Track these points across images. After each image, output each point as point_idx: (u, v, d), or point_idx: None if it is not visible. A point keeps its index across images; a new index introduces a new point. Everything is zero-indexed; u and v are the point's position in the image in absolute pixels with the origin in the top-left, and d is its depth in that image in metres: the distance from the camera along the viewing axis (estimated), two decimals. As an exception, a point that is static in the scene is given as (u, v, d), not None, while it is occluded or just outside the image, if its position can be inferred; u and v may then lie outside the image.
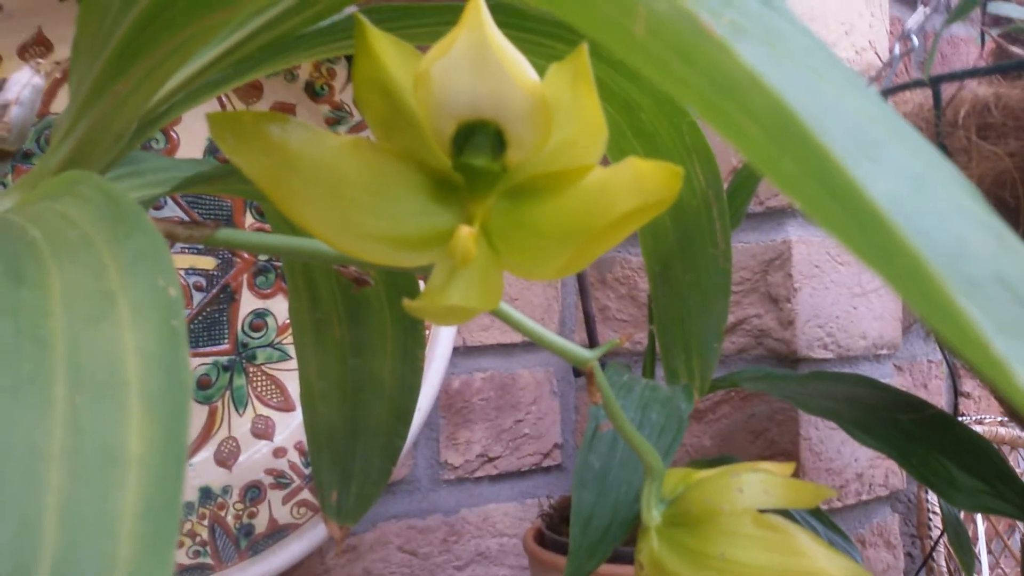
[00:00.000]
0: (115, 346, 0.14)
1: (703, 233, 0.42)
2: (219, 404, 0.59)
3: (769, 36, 0.11)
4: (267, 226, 0.60)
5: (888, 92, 0.43)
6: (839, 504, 0.70)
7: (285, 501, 0.59)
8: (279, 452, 0.60)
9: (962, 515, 0.68)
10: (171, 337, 0.14)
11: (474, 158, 0.22)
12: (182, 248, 0.57)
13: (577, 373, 0.76)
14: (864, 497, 0.72)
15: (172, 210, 0.57)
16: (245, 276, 0.60)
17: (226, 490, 0.57)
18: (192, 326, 0.58)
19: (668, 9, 0.09)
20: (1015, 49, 0.47)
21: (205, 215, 0.58)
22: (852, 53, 0.70)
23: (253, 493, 0.58)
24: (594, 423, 0.39)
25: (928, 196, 0.10)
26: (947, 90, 0.38)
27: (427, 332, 0.61)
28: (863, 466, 0.72)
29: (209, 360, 0.58)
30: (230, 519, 0.57)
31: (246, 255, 0.60)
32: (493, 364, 0.75)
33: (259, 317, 0.60)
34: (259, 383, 0.60)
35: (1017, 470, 0.59)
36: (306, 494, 0.59)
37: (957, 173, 0.12)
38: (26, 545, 0.11)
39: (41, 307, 0.14)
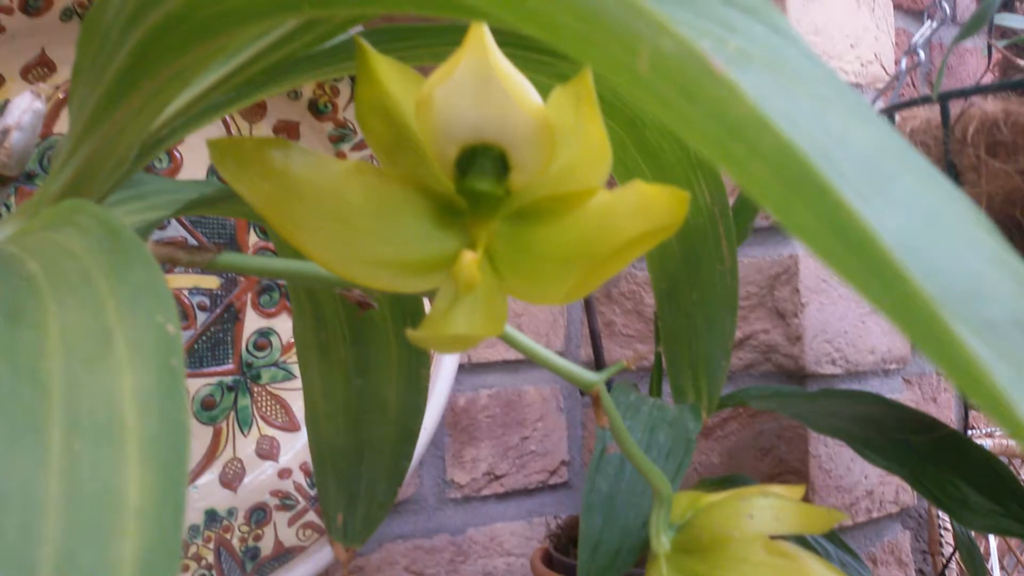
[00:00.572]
0: (113, 388, 0.13)
1: (709, 250, 0.42)
2: (224, 425, 0.58)
3: (775, 63, 0.11)
4: (271, 244, 0.60)
5: (896, 108, 0.43)
6: (849, 522, 0.70)
7: (291, 523, 0.58)
8: (284, 473, 0.60)
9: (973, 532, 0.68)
10: (170, 377, 0.14)
11: (477, 182, 0.22)
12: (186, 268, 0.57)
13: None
14: (875, 515, 0.72)
15: (176, 229, 0.57)
16: (249, 295, 0.59)
17: (231, 512, 0.57)
18: (196, 346, 0.57)
19: (673, 47, 0.09)
20: (1022, 61, 0.47)
21: (208, 233, 0.57)
22: (858, 66, 0.69)
23: (259, 515, 0.58)
24: (601, 445, 0.39)
25: (942, 234, 0.10)
26: (955, 105, 0.37)
27: (431, 351, 0.61)
28: (873, 483, 0.71)
29: (214, 380, 0.58)
30: (236, 542, 0.56)
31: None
32: (499, 381, 0.75)
33: (263, 336, 0.60)
34: (264, 403, 0.60)
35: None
36: (312, 516, 0.59)
37: (971, 206, 0.11)
38: (21, 599, 0.11)
39: (39, 347, 0.14)
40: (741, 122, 0.08)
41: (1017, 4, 0.49)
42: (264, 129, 0.59)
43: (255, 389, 0.60)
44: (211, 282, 0.59)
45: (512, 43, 0.30)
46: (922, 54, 0.44)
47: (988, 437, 0.85)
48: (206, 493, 0.57)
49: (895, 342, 0.73)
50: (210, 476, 0.57)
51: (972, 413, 0.90)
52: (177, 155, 0.56)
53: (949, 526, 0.77)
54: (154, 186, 0.35)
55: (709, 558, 0.27)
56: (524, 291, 0.23)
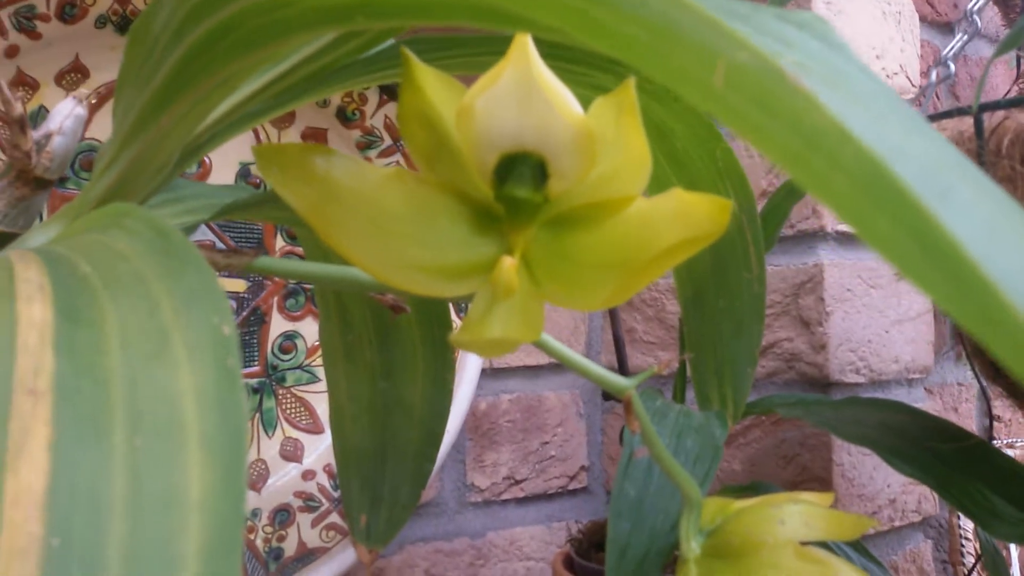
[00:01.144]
0: (172, 386, 0.14)
1: (737, 258, 0.42)
2: (248, 426, 0.59)
3: (833, 77, 0.11)
4: (298, 249, 0.61)
5: (928, 120, 0.43)
6: (872, 531, 0.69)
7: (314, 524, 0.59)
8: (308, 475, 0.60)
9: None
10: (227, 377, 0.14)
11: (517, 189, 0.22)
12: (213, 271, 0.57)
13: (606, 396, 0.76)
14: (897, 523, 0.72)
15: (204, 233, 0.57)
16: (275, 299, 0.60)
17: (255, 513, 0.57)
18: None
19: (750, 60, 0.09)
20: (1050, 72, 0.47)
21: (236, 238, 0.58)
22: (883, 78, 0.69)
23: (282, 516, 0.58)
24: (629, 449, 0.39)
25: (1007, 242, 0.10)
26: (987, 117, 0.37)
27: (456, 355, 0.61)
28: (896, 492, 0.71)
29: (242, 385, 0.58)
30: (259, 542, 0.57)
31: (276, 278, 0.60)
32: (520, 386, 0.75)
33: (289, 339, 0.60)
34: (288, 405, 0.60)
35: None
36: (335, 517, 0.59)
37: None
38: (90, 590, 0.11)
39: (98, 346, 0.14)
40: (820, 133, 0.08)
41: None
42: (293, 136, 0.59)
43: (280, 391, 0.60)
44: (238, 285, 0.59)
45: (551, 55, 0.30)
46: (952, 66, 0.44)
47: (1009, 448, 0.85)
48: (231, 494, 0.57)
49: (919, 352, 0.73)
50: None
51: (995, 424, 0.89)
52: (206, 160, 0.57)
53: (970, 536, 0.76)
54: (190, 191, 0.36)
55: (740, 563, 0.28)
56: (561, 297, 0.23)
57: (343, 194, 0.22)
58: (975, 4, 0.47)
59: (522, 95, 0.20)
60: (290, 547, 0.58)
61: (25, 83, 0.51)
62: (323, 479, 0.60)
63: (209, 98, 0.24)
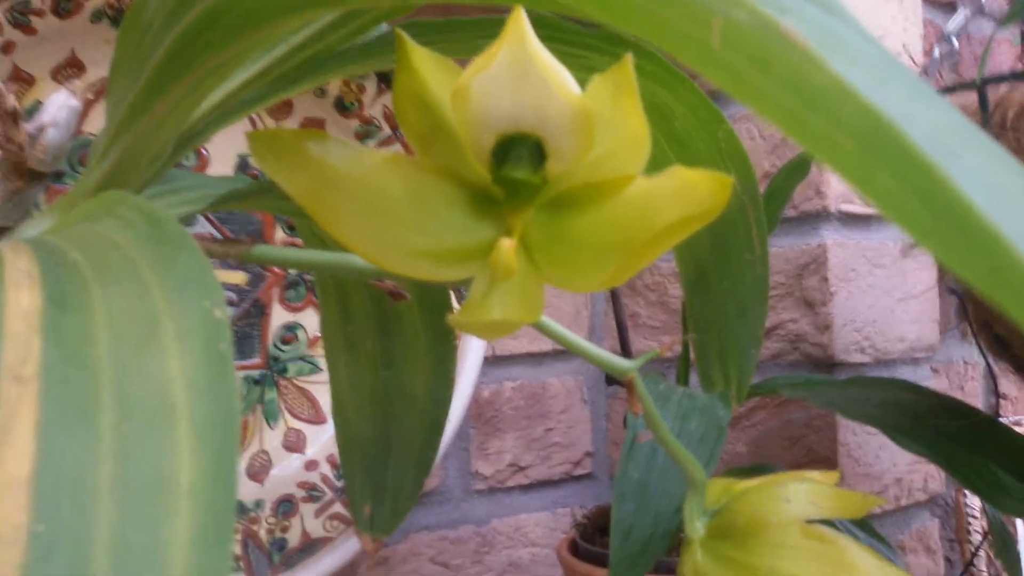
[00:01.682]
0: (162, 372, 0.13)
1: (739, 239, 0.42)
2: (250, 418, 0.59)
3: (831, 43, 0.11)
4: (297, 240, 0.60)
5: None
6: (879, 510, 0.69)
7: (318, 514, 0.59)
8: (311, 465, 0.60)
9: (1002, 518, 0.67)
10: (219, 361, 0.14)
11: (514, 170, 0.22)
12: (213, 263, 0.57)
13: (610, 381, 0.75)
14: (903, 502, 0.71)
15: (203, 226, 0.57)
16: (276, 290, 0.60)
17: (259, 504, 0.57)
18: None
19: (747, 17, 0.09)
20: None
21: (235, 230, 0.58)
22: (884, 54, 0.69)
23: (285, 507, 0.58)
24: (632, 433, 0.39)
25: (1016, 203, 0.10)
26: (992, 92, 0.37)
27: (458, 342, 0.61)
28: (902, 471, 0.71)
29: (241, 374, 0.58)
30: (263, 533, 0.57)
31: (276, 269, 0.60)
32: (523, 373, 0.75)
33: (290, 330, 0.60)
34: (290, 396, 0.60)
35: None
36: (338, 507, 0.59)
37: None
38: (77, 577, 0.11)
39: (86, 332, 0.14)
40: (821, 90, 0.08)
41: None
42: (291, 126, 0.59)
43: (281, 382, 0.60)
44: (237, 277, 0.59)
45: (548, 36, 0.30)
46: (955, 42, 0.43)
47: (1017, 426, 0.85)
48: (235, 486, 0.57)
49: (924, 330, 0.73)
50: (237, 469, 0.58)
51: (1001, 402, 0.89)
52: (204, 152, 0.57)
53: (977, 514, 0.76)
54: (186, 181, 0.35)
55: (745, 543, 0.27)
56: (561, 278, 0.23)
57: (339, 179, 0.22)
58: (976, -21, 0.46)
59: (518, 75, 0.20)
60: (294, 538, 0.58)
61: (21, 79, 0.50)
62: (326, 469, 0.60)
63: (203, 85, 0.24)
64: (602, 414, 0.80)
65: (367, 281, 0.42)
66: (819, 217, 0.67)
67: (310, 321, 0.61)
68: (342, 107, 0.60)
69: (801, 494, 0.28)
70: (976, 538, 0.75)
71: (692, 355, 0.45)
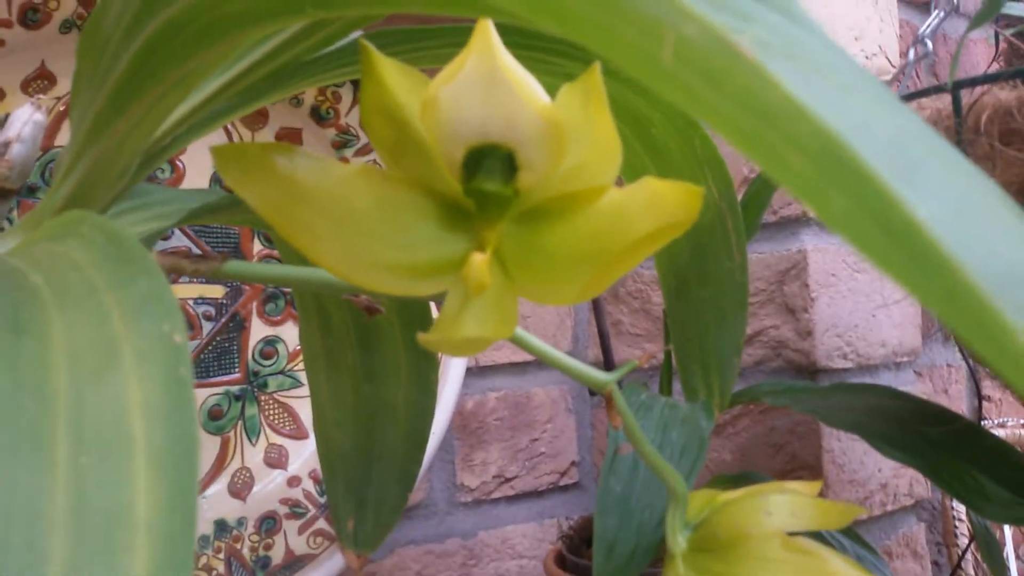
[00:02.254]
0: (120, 400, 0.13)
1: (718, 247, 0.42)
2: (231, 434, 0.58)
3: (793, 51, 0.11)
4: (275, 252, 0.60)
5: (905, 99, 0.42)
6: (864, 516, 0.69)
7: (301, 531, 0.58)
8: (293, 481, 0.59)
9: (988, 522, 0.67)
10: (178, 388, 0.13)
11: (485, 183, 0.22)
12: (191, 277, 0.57)
13: (593, 392, 0.75)
14: (889, 508, 0.71)
15: (180, 239, 0.56)
16: (255, 304, 0.59)
17: (241, 522, 0.57)
18: (202, 356, 0.57)
19: (698, 33, 0.08)
20: (1027, 50, 0.46)
21: (213, 243, 0.57)
22: (863, 59, 0.69)
23: (268, 524, 0.57)
24: (613, 445, 0.39)
25: (974, 220, 0.09)
26: (965, 95, 0.37)
27: (439, 355, 0.61)
28: (887, 476, 0.71)
29: (220, 390, 0.58)
30: (246, 551, 0.56)
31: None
32: (506, 383, 0.75)
33: (269, 345, 0.60)
34: (271, 411, 0.60)
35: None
36: (322, 523, 0.59)
37: (998, 190, 0.11)
38: (29, 619, 0.10)
39: (43, 360, 0.14)
40: (774, 109, 0.08)
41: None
42: (267, 136, 0.59)
43: (262, 398, 0.59)
44: (216, 291, 0.58)
45: (517, 44, 0.29)
46: (929, 44, 0.43)
47: (1001, 427, 0.85)
48: (215, 503, 0.56)
49: (905, 335, 0.73)
50: (219, 486, 0.57)
51: (984, 404, 0.89)
52: (180, 165, 0.56)
53: (964, 517, 0.76)
54: (157, 196, 0.35)
55: (727, 556, 0.27)
56: (535, 291, 0.22)
57: (307, 193, 0.22)
58: (950, -18, 0.47)
59: (486, 85, 0.19)
60: (277, 555, 0.57)
61: (-9, 92, 0.50)
62: (309, 485, 0.59)
63: (167, 98, 0.23)
64: (587, 423, 0.80)
65: (341, 296, 0.41)
66: (799, 222, 0.67)
67: (290, 335, 0.60)
68: (318, 116, 0.60)
69: (782, 506, 0.28)
70: (963, 542, 0.75)
71: (675, 364, 0.45)
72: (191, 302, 0.57)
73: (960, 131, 0.36)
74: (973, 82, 0.36)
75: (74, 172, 0.25)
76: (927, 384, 0.79)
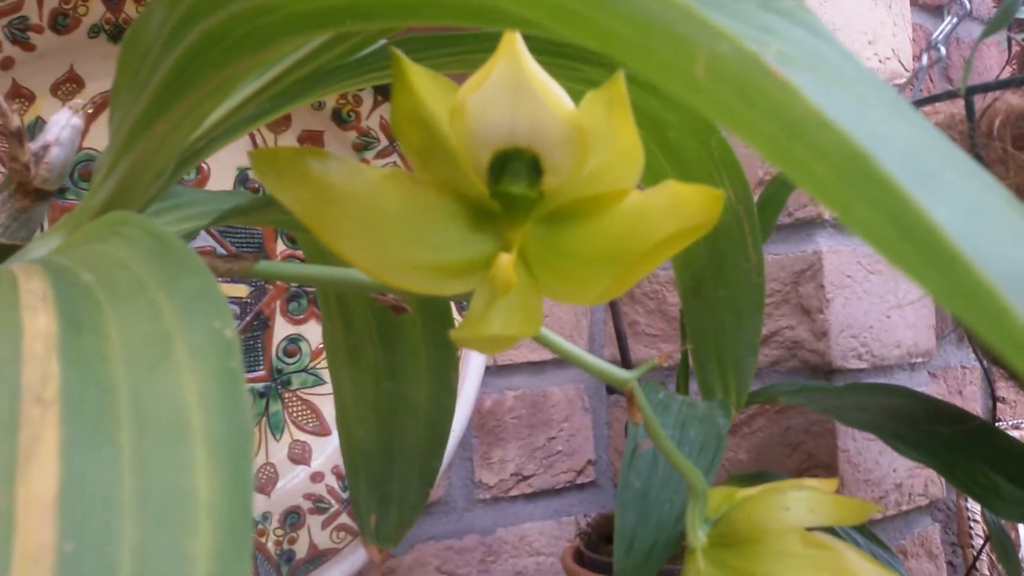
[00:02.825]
0: (176, 391, 0.14)
1: (735, 248, 0.42)
2: (256, 431, 0.59)
3: (815, 64, 0.11)
4: (298, 252, 0.61)
5: (918, 104, 0.43)
6: (879, 516, 0.69)
7: (324, 526, 0.59)
8: (317, 477, 0.60)
9: (1004, 522, 0.68)
10: (230, 380, 0.14)
11: (511, 185, 0.22)
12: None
13: (610, 390, 0.76)
14: (904, 507, 0.72)
15: (204, 239, 0.57)
16: (278, 303, 0.60)
17: (266, 516, 0.58)
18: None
19: (730, 51, 0.09)
20: (1042, 53, 0.47)
21: (237, 243, 0.58)
22: (876, 63, 0.69)
23: (292, 519, 0.58)
24: (633, 442, 0.39)
25: (988, 225, 0.10)
26: (979, 100, 0.37)
27: (459, 353, 0.61)
28: (902, 476, 0.71)
29: (245, 387, 0.59)
30: (271, 545, 0.57)
31: (279, 282, 0.60)
32: (524, 382, 0.75)
33: (293, 343, 0.61)
34: (295, 408, 0.61)
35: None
36: (345, 518, 0.60)
37: (1010, 197, 0.12)
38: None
39: (102, 353, 0.15)
40: (800, 121, 0.09)
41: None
42: (289, 139, 0.60)
43: (286, 395, 0.60)
44: (240, 291, 0.59)
45: (540, 50, 0.30)
46: (943, 50, 0.44)
47: (1015, 429, 0.85)
48: (240, 498, 0.57)
49: (920, 336, 0.73)
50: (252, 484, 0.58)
51: (999, 406, 0.90)
52: (204, 167, 0.57)
53: (978, 518, 0.77)
54: (188, 197, 0.36)
55: (746, 551, 0.28)
56: (559, 291, 0.23)
57: (339, 196, 0.23)
58: (965, -14, 0.47)
59: (513, 92, 0.20)
60: (301, 549, 0.58)
61: (21, 95, 0.51)
62: (332, 481, 0.60)
63: (203, 104, 0.24)
64: (604, 422, 0.80)
65: (369, 295, 0.42)
66: (814, 224, 0.67)
67: (313, 333, 0.61)
68: (339, 119, 0.61)
69: (800, 502, 0.28)
70: (978, 542, 0.75)
71: (691, 363, 0.45)
72: (231, 311, 0.58)
73: (973, 135, 0.37)
74: (986, 87, 0.37)
75: (113, 175, 0.26)
76: (941, 385, 0.79)
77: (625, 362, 0.64)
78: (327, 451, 0.61)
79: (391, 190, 0.23)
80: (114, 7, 0.52)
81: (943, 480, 0.76)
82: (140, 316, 0.16)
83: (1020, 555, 0.79)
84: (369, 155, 0.61)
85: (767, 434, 0.70)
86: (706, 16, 0.09)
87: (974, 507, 0.78)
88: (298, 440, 0.60)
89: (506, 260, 0.21)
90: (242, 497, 0.12)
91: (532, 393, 0.75)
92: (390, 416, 0.49)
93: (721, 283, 0.43)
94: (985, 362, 0.59)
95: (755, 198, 0.43)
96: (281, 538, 0.57)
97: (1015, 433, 0.83)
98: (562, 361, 0.77)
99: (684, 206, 0.21)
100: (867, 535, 0.51)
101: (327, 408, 0.61)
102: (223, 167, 0.58)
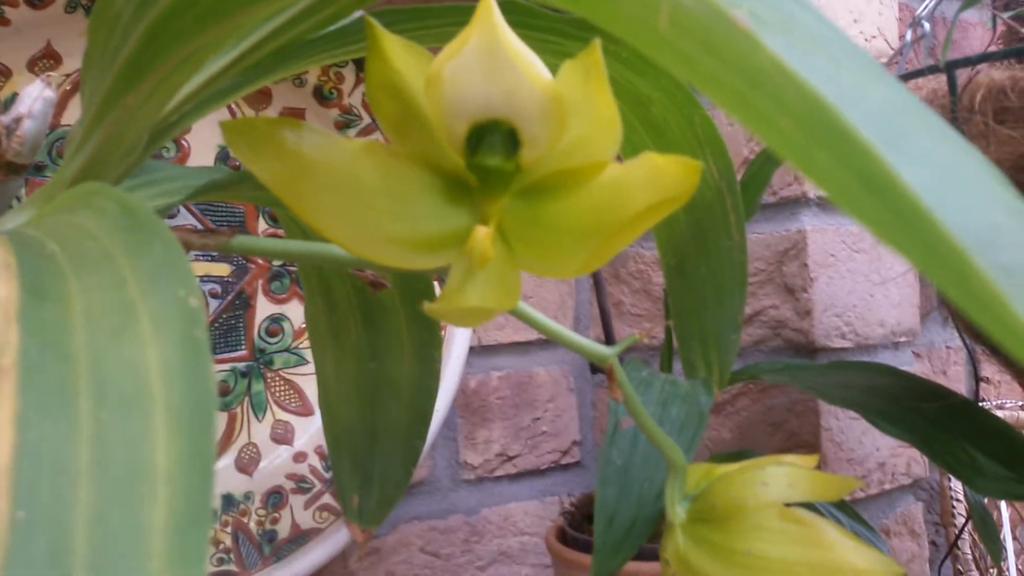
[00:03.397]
0: (138, 359, 0.14)
1: (717, 225, 0.42)
2: (238, 410, 0.59)
3: (788, 26, 0.11)
4: (280, 231, 0.60)
5: (902, 79, 0.43)
6: (862, 494, 0.70)
7: (307, 506, 0.59)
8: (299, 457, 0.60)
9: (986, 502, 0.68)
10: (194, 348, 0.14)
11: (488, 158, 0.22)
12: (197, 255, 0.57)
13: (594, 370, 0.76)
14: (887, 486, 0.72)
15: (185, 218, 0.57)
16: (260, 282, 0.60)
17: (248, 496, 0.57)
18: (209, 333, 0.58)
19: (693, 3, 0.09)
20: (1026, 31, 0.47)
21: (218, 222, 0.58)
22: (862, 41, 0.69)
23: (275, 499, 0.58)
24: (614, 419, 0.39)
25: (959, 185, 0.10)
26: (961, 75, 0.37)
27: (443, 333, 0.61)
28: (885, 455, 0.71)
29: (227, 367, 0.58)
30: (253, 525, 0.57)
31: (260, 261, 0.60)
32: (509, 363, 0.75)
33: (275, 322, 0.60)
34: (277, 388, 0.60)
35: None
36: (328, 498, 0.59)
37: (984, 160, 0.12)
38: (57, 561, 0.11)
39: (64, 322, 0.14)
40: (764, 74, 0.08)
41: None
42: (270, 115, 0.59)
43: (268, 375, 0.60)
44: (222, 270, 0.59)
45: (518, 23, 0.30)
46: (927, 26, 0.44)
47: (999, 409, 0.86)
48: (222, 478, 0.57)
49: (904, 315, 0.73)
50: (226, 461, 0.58)
51: (983, 385, 0.90)
52: (185, 143, 0.57)
53: (961, 497, 0.77)
54: (165, 173, 0.35)
55: (725, 526, 0.28)
56: (537, 264, 0.23)
57: (314, 168, 0.22)
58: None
59: (489, 61, 0.20)
60: (284, 529, 0.58)
61: (-2, 71, 0.50)
62: (315, 461, 0.60)
63: (176, 75, 0.24)
64: (589, 402, 0.80)
65: (348, 270, 0.42)
66: (798, 203, 0.67)
67: (295, 312, 0.61)
68: (321, 96, 0.60)
69: (779, 477, 0.28)
70: (960, 522, 0.76)
71: (675, 343, 0.45)
72: (197, 280, 0.57)
73: (955, 110, 0.37)
74: (968, 62, 0.36)
75: (85, 147, 0.26)
76: (926, 365, 0.80)
77: (609, 340, 0.64)
78: (310, 431, 0.61)
79: (367, 162, 0.23)
80: (92, -18, 0.51)
81: (925, 460, 0.76)
82: (104, 285, 0.15)
83: (1003, 533, 0.79)
84: (351, 133, 0.61)
85: (750, 413, 0.70)
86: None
87: (957, 486, 0.78)
88: (280, 420, 0.60)
89: (483, 233, 0.21)
90: (203, 466, 0.12)
91: (517, 374, 0.75)
92: (373, 396, 0.48)
93: (703, 260, 0.43)
94: (969, 341, 0.59)
95: (739, 177, 0.43)
96: (263, 518, 0.57)
97: (999, 413, 0.84)
98: (547, 342, 0.77)
99: (662, 177, 0.21)
100: (849, 513, 0.51)
101: (310, 388, 0.61)
102: (204, 145, 0.57)
